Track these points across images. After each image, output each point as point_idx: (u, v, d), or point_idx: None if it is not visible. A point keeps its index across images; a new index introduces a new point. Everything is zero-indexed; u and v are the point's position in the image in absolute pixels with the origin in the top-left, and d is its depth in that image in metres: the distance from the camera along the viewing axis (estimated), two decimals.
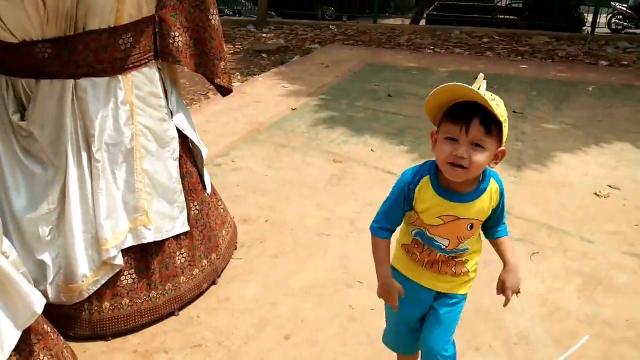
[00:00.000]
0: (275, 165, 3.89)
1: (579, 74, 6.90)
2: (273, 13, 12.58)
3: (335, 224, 3.08)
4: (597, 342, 2.18)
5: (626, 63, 7.63)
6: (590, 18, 10.07)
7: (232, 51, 8.56)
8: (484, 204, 1.45)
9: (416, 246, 1.56)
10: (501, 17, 12.11)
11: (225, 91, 2.47)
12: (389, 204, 1.50)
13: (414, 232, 1.53)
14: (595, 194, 3.51)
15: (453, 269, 1.56)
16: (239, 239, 2.85)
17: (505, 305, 1.57)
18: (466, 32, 9.87)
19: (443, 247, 1.50)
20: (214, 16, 2.29)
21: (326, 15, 14.93)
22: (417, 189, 1.44)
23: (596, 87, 6.15)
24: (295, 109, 5.22)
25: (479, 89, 1.30)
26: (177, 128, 2.30)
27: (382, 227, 1.51)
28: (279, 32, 10.34)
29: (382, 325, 2.25)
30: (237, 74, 7.07)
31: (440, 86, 1.32)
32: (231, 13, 12.98)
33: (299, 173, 3.77)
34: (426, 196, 1.43)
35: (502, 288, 1.55)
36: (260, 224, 3.06)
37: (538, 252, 2.80)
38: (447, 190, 1.42)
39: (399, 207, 1.48)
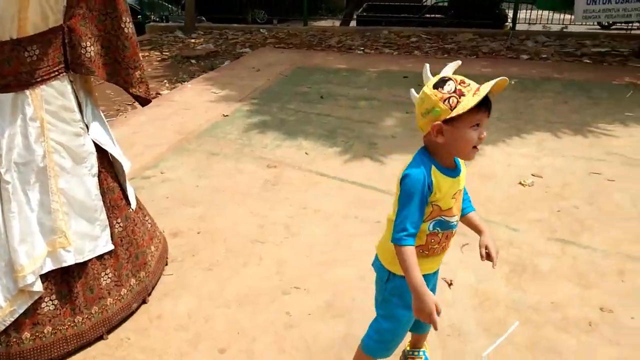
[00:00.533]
0: (207, 174, 3.80)
1: (501, 68, 7.19)
2: (202, 17, 12.33)
3: (269, 229, 3.05)
4: (524, 328, 2.26)
5: (545, 56, 8.03)
6: (510, 14, 10.55)
7: (160, 58, 8.35)
8: (464, 171, 1.64)
9: (433, 240, 1.61)
10: (428, 16, 12.44)
11: (143, 101, 2.38)
12: (413, 208, 1.51)
13: (430, 226, 1.58)
14: (520, 183, 3.66)
15: (450, 242, 1.68)
16: (170, 253, 2.76)
17: (494, 266, 1.69)
18: (394, 32, 10.09)
19: (455, 222, 1.63)
20: (126, 24, 2.20)
21: (257, 18, 14.83)
22: (433, 180, 1.52)
23: (518, 80, 6.43)
24: (226, 115, 5.14)
25: (453, 73, 1.55)
26: (94, 142, 2.20)
27: (409, 233, 1.51)
28: (208, 36, 10.17)
29: (319, 329, 2.25)
30: (165, 81, 6.89)
31: (486, 87, 1.43)
32: (158, 19, 12.60)
33: (232, 180, 3.71)
34: (441, 182, 1.54)
35: (486, 253, 1.65)
36: (192, 236, 2.98)
37: (468, 244, 2.88)
38: (449, 170, 1.57)
39: (423, 205, 1.53)
